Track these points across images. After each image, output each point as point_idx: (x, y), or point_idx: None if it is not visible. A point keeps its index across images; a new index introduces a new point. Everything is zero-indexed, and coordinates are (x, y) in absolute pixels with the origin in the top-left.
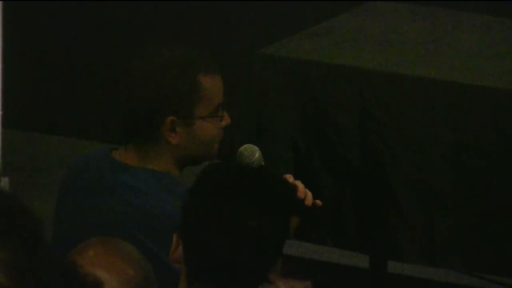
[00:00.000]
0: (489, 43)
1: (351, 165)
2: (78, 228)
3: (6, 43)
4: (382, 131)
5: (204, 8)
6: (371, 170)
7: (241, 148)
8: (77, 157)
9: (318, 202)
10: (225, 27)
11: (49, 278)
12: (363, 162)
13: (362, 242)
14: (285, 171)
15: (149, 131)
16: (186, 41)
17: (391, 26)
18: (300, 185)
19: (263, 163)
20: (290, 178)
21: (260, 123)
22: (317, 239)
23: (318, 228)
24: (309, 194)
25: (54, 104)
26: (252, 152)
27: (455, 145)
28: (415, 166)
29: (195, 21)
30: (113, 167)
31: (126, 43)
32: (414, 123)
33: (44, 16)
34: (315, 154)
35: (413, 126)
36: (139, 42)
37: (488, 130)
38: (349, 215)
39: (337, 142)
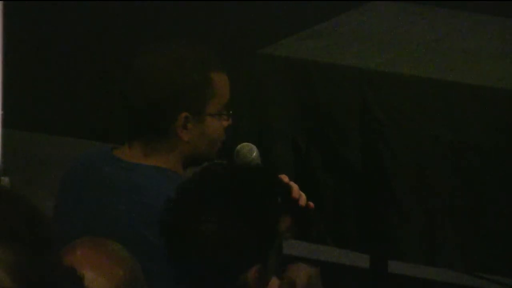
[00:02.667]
0: (489, 43)
1: (351, 165)
2: (80, 227)
3: (6, 43)
4: (382, 131)
5: (204, 8)
6: (371, 169)
7: (239, 147)
8: (78, 157)
9: (311, 204)
10: (225, 27)
11: (54, 280)
12: (363, 162)
13: (362, 241)
14: (285, 171)
15: (161, 127)
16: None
17: (391, 26)
18: (294, 186)
19: (260, 162)
20: (285, 178)
21: (260, 123)
22: (318, 238)
23: (311, 229)
24: (303, 195)
25: (54, 104)
26: (249, 151)
27: (455, 145)
28: (415, 166)
29: (195, 21)
30: (116, 165)
31: (126, 43)
32: (414, 123)
33: (45, 16)
34: (315, 154)
35: (413, 126)
36: (140, 42)
37: (488, 130)
38: (350, 215)
39: (337, 142)
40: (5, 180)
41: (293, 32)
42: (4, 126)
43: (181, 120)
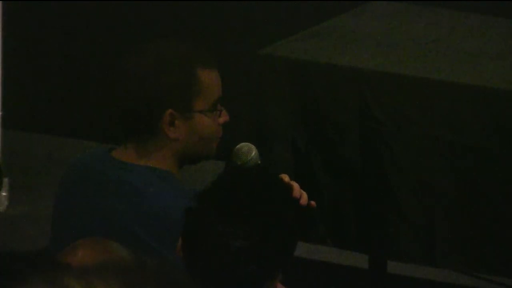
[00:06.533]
0: (489, 43)
1: (351, 165)
2: (78, 228)
3: (6, 43)
4: (382, 131)
5: (204, 8)
6: (371, 170)
7: (238, 146)
8: (76, 158)
9: (313, 203)
10: (225, 27)
11: None
12: (363, 162)
13: (362, 242)
14: (285, 171)
15: (149, 126)
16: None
17: (391, 26)
18: (295, 185)
19: (259, 162)
20: (285, 177)
21: (260, 123)
22: (317, 239)
23: (313, 228)
24: (304, 194)
25: (54, 104)
26: (248, 151)
27: (455, 145)
28: (415, 166)
29: (195, 21)
30: (112, 166)
31: (126, 43)
32: (413, 123)
33: (44, 16)
34: (315, 154)
35: (413, 126)
36: (139, 42)
37: (488, 130)
38: (349, 215)
39: (337, 142)
40: (5, 180)
41: (293, 32)
42: (4, 126)
43: (167, 117)
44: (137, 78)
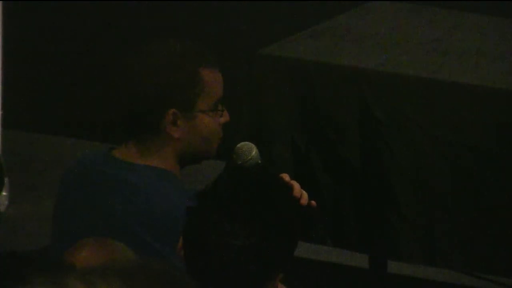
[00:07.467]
0: (489, 43)
1: (351, 165)
2: (78, 227)
3: (6, 43)
4: (382, 131)
5: (204, 8)
6: (371, 170)
7: (238, 146)
8: (77, 158)
9: (313, 202)
10: (225, 27)
11: None
12: (363, 162)
13: (362, 242)
14: (285, 171)
15: (151, 125)
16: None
17: (391, 26)
18: (295, 184)
19: (259, 161)
20: (286, 177)
21: (260, 123)
22: (317, 239)
23: (313, 228)
24: (305, 194)
25: (54, 104)
26: (249, 150)
27: (455, 145)
28: (415, 166)
29: (195, 20)
30: (113, 165)
31: (126, 43)
32: (414, 123)
33: (45, 16)
34: (315, 154)
35: (413, 126)
36: (139, 42)
37: (488, 130)
38: (349, 215)
39: (337, 142)
40: (5, 180)
41: (293, 32)
42: (3, 126)
43: (170, 116)
44: (140, 78)
